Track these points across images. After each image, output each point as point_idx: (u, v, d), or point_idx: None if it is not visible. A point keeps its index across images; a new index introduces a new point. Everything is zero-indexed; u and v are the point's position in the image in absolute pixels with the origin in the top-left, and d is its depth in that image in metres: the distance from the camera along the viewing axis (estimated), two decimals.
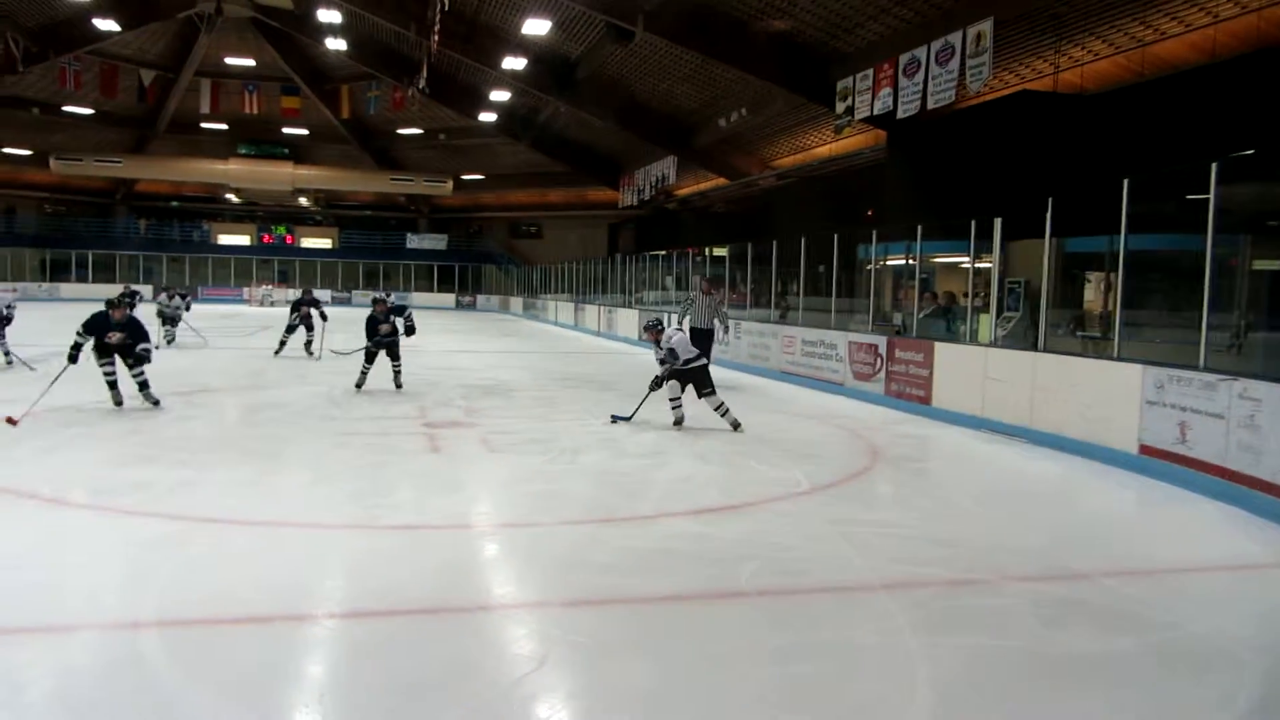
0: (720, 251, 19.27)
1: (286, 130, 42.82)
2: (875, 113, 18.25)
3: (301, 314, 15.49)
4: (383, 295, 11.86)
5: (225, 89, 38.73)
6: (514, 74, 27.31)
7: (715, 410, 8.80)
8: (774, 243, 15.28)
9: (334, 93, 39.08)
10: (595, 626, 3.98)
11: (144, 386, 9.30)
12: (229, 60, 37.28)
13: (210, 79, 38.18)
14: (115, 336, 9.01)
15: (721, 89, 24.82)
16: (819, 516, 5.91)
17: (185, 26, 34.61)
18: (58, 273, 42.33)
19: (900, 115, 17.33)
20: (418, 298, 45.02)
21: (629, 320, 22.33)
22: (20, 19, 29.30)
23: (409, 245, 48.10)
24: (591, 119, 30.79)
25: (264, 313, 34.52)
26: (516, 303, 40.94)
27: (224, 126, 41.80)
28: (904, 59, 16.99)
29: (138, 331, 9.23)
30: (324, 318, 15.54)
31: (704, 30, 21.04)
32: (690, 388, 8.84)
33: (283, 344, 15.55)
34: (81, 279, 42.07)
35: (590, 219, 43.21)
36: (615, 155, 35.96)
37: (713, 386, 8.86)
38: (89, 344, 9.02)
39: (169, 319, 17.55)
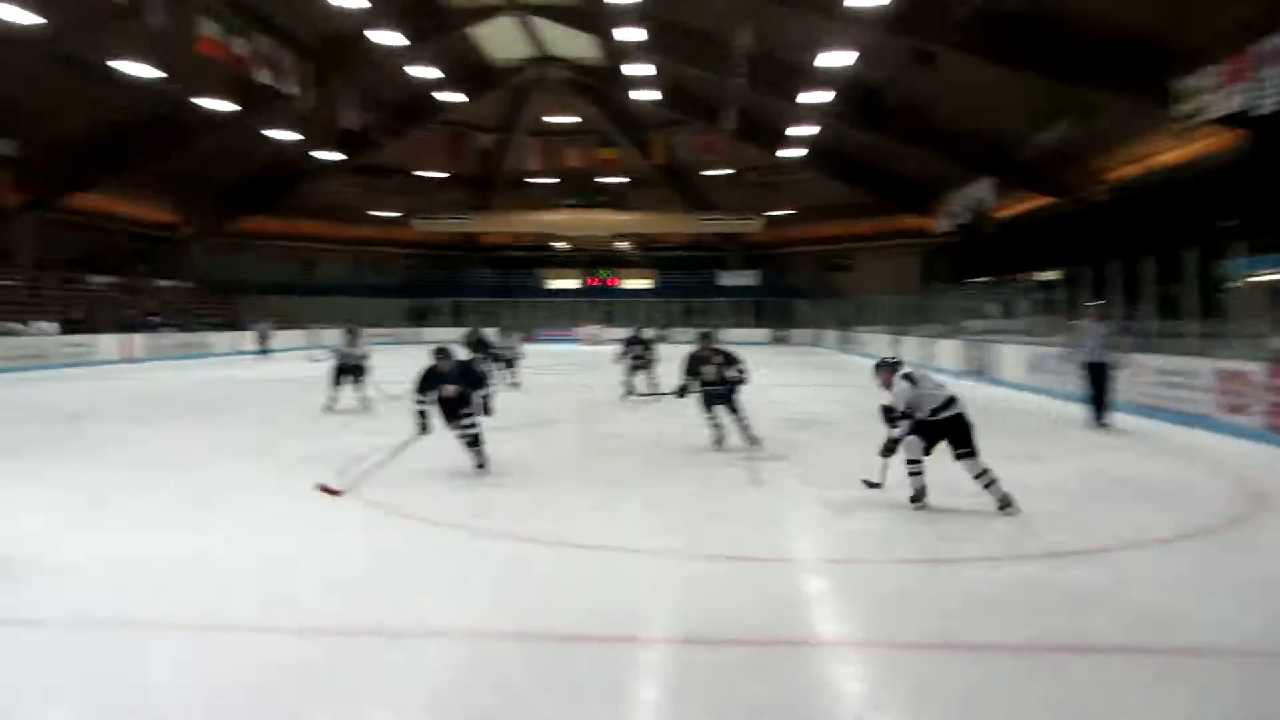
0: (1049, 275, 17.94)
1: (605, 180, 45.78)
2: (1228, 111, 16.21)
3: (633, 353, 15.67)
4: (708, 331, 11.02)
5: (551, 146, 42.22)
6: (819, 107, 27.31)
7: (976, 479, 6.49)
8: (1113, 263, 13.93)
9: (647, 140, 41.22)
10: (929, 671, 3.80)
11: (473, 442, 8.17)
12: (553, 119, 40.71)
13: (538, 137, 41.84)
14: (449, 390, 8.06)
15: (1040, 102, 23.23)
16: (1190, 567, 5.25)
17: (516, 92, 38.35)
18: (420, 319, 48.08)
19: (1261, 112, 15.25)
20: (731, 334, 45.87)
21: (951, 352, 21.33)
22: (385, 99, 33.91)
23: (721, 283, 49.38)
24: (901, 146, 30.06)
25: (593, 351, 36.87)
26: (829, 336, 40.55)
27: (552, 180, 45.52)
28: (1261, 48, 14.96)
29: (473, 378, 8.31)
30: (654, 359, 15.59)
31: (1017, 41, 19.87)
32: (941, 447, 6.65)
33: (628, 386, 15.29)
34: (441, 324, 47.46)
35: (902, 248, 41.97)
36: (927, 181, 34.76)
37: (973, 446, 6.47)
38: (431, 405, 8.16)
39: (506, 360, 17.97)
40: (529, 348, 22.06)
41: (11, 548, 5.57)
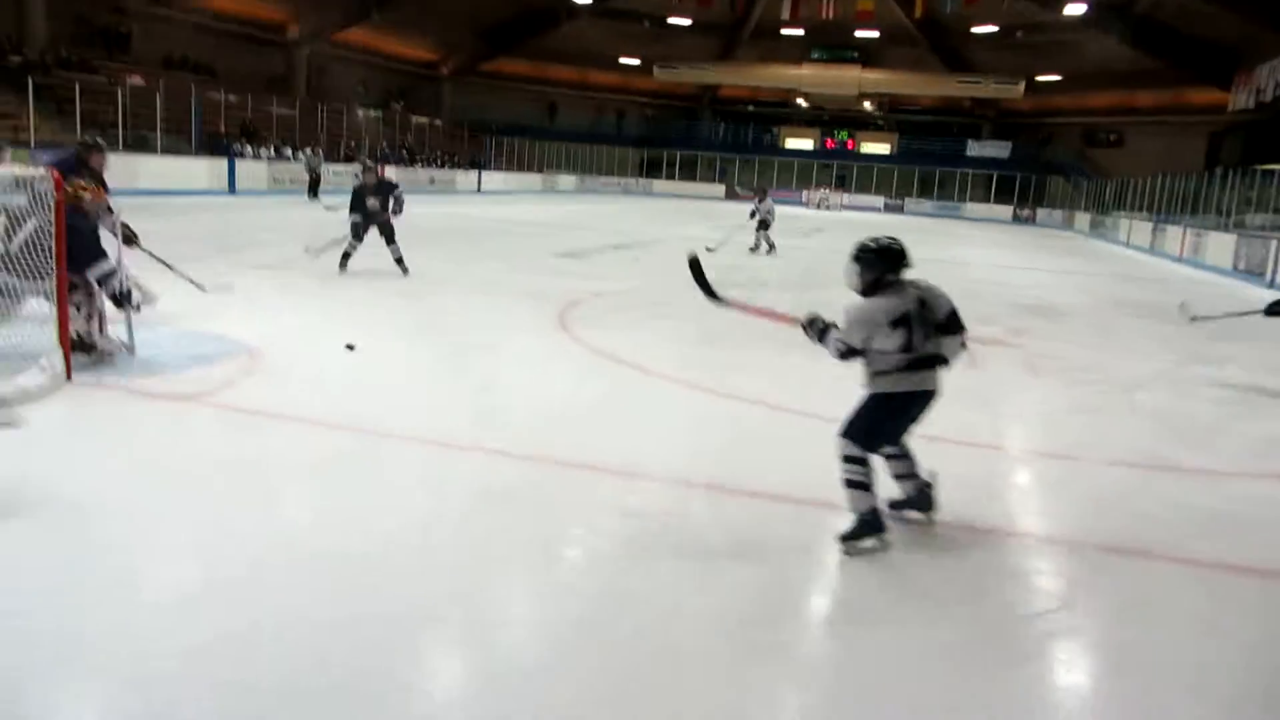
0: None
1: (858, 34, 43.23)
2: None
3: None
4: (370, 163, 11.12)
5: None
6: None
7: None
8: None
9: None
10: (1133, 580, 3.62)
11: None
12: None
13: None
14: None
15: None
16: None
17: None
18: (652, 170, 48.42)
19: None
20: (971, 209, 43.36)
21: (1222, 247, 19.15)
22: None
23: (969, 153, 46.17)
24: (1205, 4, 26.31)
25: (819, 216, 35.99)
26: (1082, 219, 37.36)
27: (800, 32, 43.49)
28: None
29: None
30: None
31: None
32: None
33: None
34: (670, 176, 47.73)
35: (1184, 126, 37.37)
36: (1232, 47, 30.36)
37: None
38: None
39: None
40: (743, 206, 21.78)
41: (269, 349, 6.33)
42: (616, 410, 5.66)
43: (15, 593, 2.95)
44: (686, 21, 42.64)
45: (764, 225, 16.86)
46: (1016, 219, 42.21)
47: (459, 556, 3.45)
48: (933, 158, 46.69)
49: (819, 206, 42.06)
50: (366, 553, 3.40)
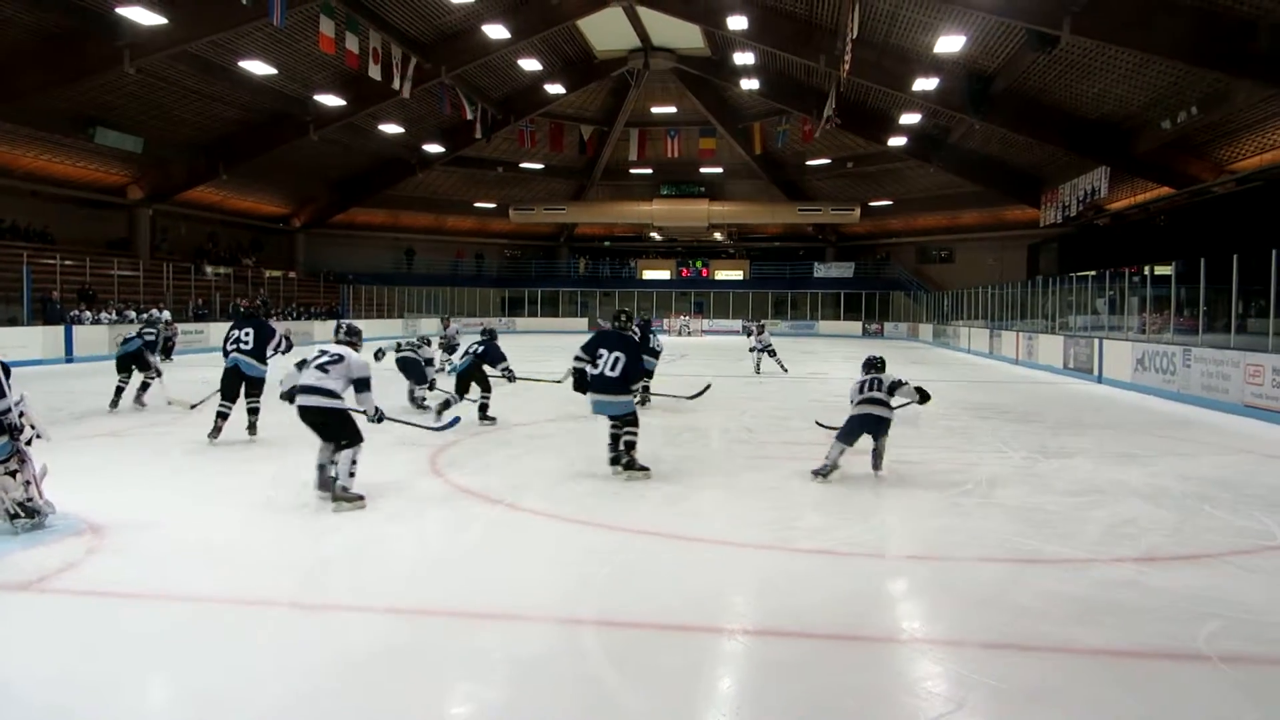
0: (1163, 270, 17.19)
1: (703, 170, 45.56)
2: None
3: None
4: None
5: (650, 136, 42.19)
6: (924, 95, 26.66)
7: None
8: (1234, 257, 13.25)
9: (747, 131, 40.88)
10: (1019, 673, 3.69)
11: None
12: (654, 109, 40.63)
13: (638, 128, 41.87)
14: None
15: (1164, 88, 22.14)
16: None
17: (618, 83, 38.43)
18: (514, 308, 48.88)
19: None
20: (823, 326, 45.44)
21: (1052, 348, 20.60)
22: (489, 92, 34.43)
23: (816, 274, 48.68)
24: (1009, 134, 29.12)
25: (681, 342, 36.87)
26: (926, 330, 39.65)
27: (649, 171, 45.53)
28: None
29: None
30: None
31: (1144, 25, 18.92)
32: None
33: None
34: (532, 314, 48.29)
35: (1007, 240, 40.66)
36: (1036, 170, 33.53)
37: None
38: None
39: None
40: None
41: (114, 522, 5.91)
42: (496, 552, 5.49)
43: None
44: (539, 166, 44.01)
45: (770, 352, 19.87)
46: (866, 333, 44.38)
47: None
48: (783, 281, 49.00)
49: (680, 333, 43.19)
50: None
